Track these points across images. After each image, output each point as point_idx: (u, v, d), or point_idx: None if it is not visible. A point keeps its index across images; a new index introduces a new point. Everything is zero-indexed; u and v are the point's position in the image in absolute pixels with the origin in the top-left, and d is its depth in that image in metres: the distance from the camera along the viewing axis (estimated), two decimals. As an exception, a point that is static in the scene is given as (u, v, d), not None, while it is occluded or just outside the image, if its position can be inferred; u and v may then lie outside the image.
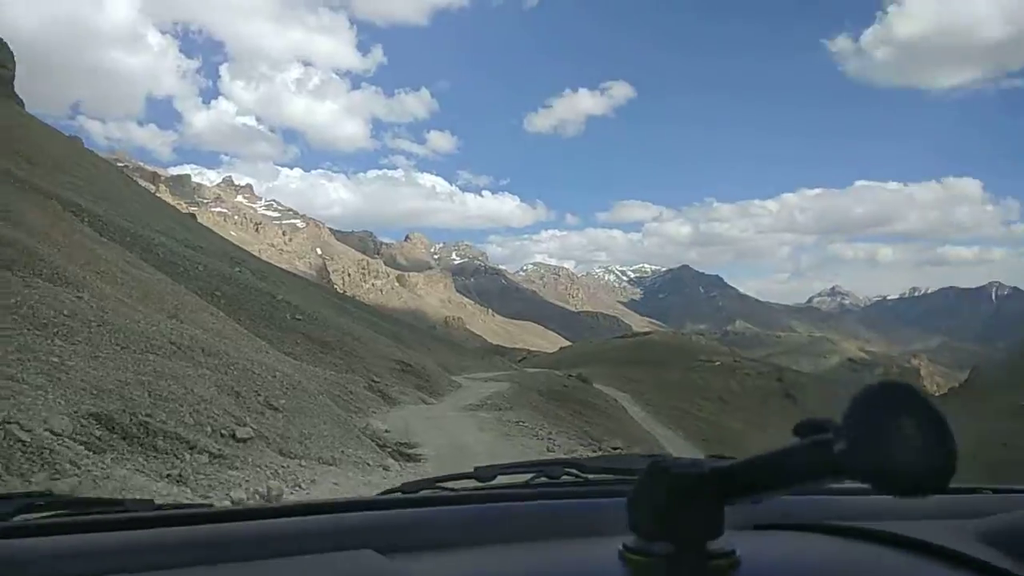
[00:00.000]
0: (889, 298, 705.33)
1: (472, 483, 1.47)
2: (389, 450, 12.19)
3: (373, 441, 12.40)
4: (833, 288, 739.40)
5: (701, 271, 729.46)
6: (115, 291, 13.29)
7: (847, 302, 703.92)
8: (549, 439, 16.88)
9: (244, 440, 8.30)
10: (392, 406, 26.83)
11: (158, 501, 1.27)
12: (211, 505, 1.32)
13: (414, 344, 60.79)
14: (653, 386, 67.03)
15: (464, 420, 19.75)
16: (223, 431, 8.20)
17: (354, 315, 60.08)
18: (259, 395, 10.45)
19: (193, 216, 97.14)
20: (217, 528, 0.99)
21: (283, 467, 8.34)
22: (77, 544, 0.92)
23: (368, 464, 10.05)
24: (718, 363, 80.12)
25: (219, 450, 7.59)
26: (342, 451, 10.26)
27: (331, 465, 9.34)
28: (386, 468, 10.23)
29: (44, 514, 1.11)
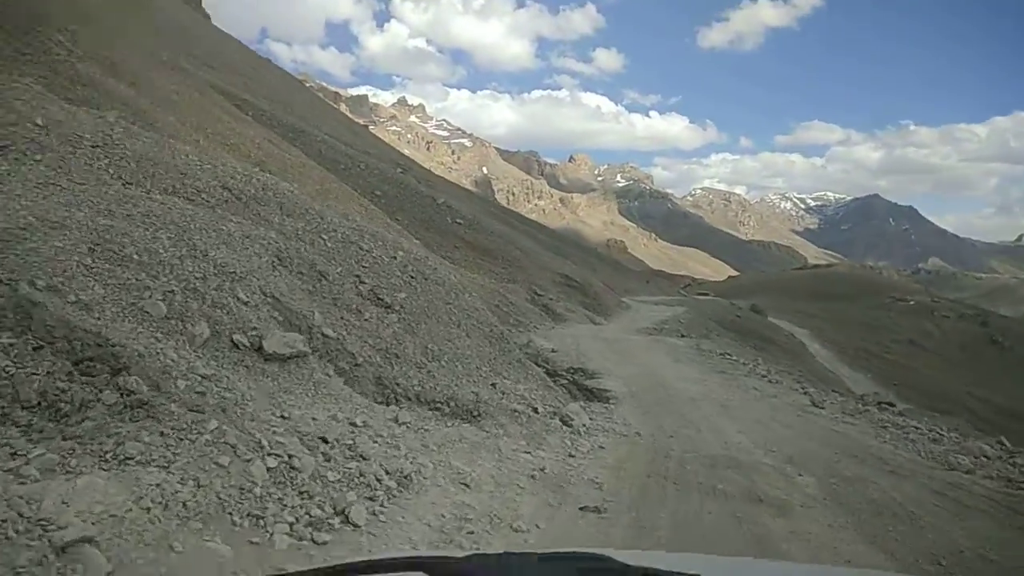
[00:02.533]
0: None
1: None
2: (563, 382, 8.78)
3: (540, 366, 9.04)
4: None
5: (893, 201, 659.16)
6: (231, 156, 10.61)
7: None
8: (775, 380, 12.74)
9: (283, 357, 5.07)
10: (557, 323, 23.76)
11: None
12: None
13: (578, 262, 58.05)
14: (835, 323, 61.42)
15: (650, 345, 16.10)
16: (236, 334, 5.08)
17: (517, 228, 57.97)
18: (360, 280, 7.30)
19: (366, 127, 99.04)
20: None
21: (353, 423, 5.17)
22: None
23: (534, 412, 6.74)
24: (912, 302, 71.84)
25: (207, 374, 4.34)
26: (494, 384, 7.02)
27: (472, 419, 6.20)
28: (567, 423, 6.84)
29: None
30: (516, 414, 6.48)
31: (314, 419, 4.70)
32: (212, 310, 5.01)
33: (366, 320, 6.66)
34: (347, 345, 5.97)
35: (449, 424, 5.98)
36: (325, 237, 7.72)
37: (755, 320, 43.01)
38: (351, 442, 4.45)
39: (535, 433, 6.34)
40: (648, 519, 4.69)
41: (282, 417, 4.42)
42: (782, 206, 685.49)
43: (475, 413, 6.18)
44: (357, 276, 7.39)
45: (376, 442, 4.82)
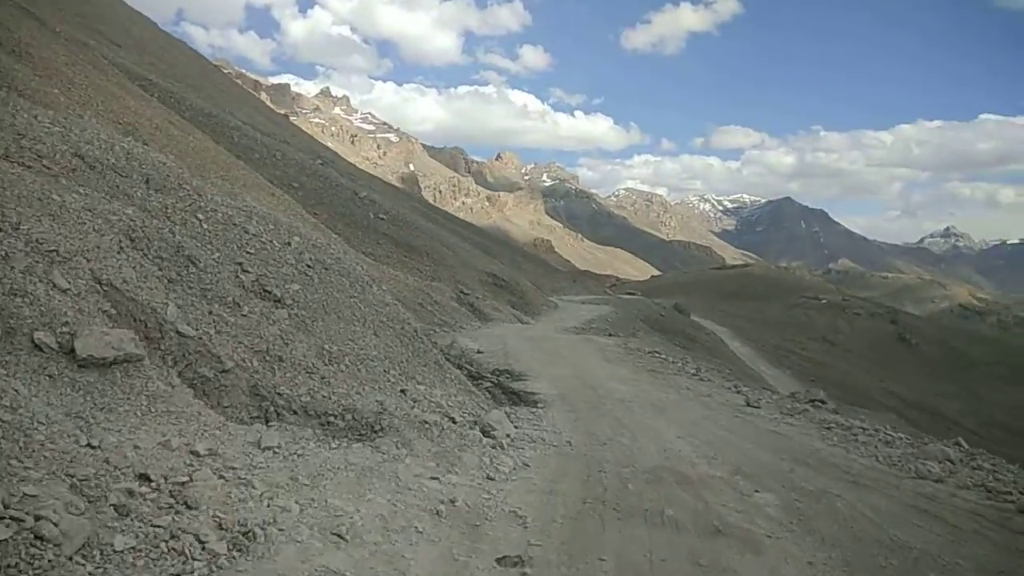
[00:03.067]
0: (1009, 242, 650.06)
1: None
2: (487, 385, 7.86)
3: (463, 368, 8.08)
4: (947, 229, 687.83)
5: (804, 204, 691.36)
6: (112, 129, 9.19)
7: (961, 244, 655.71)
8: (705, 379, 12.21)
9: (103, 363, 3.89)
10: (484, 322, 22.87)
11: None
12: None
13: (506, 261, 57.45)
14: (753, 321, 63.67)
15: (578, 345, 15.40)
16: (40, 332, 3.92)
17: (444, 226, 56.88)
18: (242, 268, 6.15)
19: (286, 117, 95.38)
20: None
21: (194, 451, 3.94)
22: None
23: (451, 422, 5.78)
24: (824, 301, 74.15)
25: None
26: (404, 391, 6.05)
27: (372, 435, 5.12)
28: (488, 433, 5.91)
29: None
30: (427, 427, 5.49)
31: (136, 447, 3.47)
32: (8, 299, 3.79)
33: (245, 316, 5.51)
34: (212, 346, 4.82)
35: (334, 445, 4.83)
36: (201, 217, 6.49)
37: (679, 319, 43.66)
38: (185, 479, 3.32)
39: (448, 450, 5.31)
40: (586, 572, 3.76)
41: (88, 446, 3.24)
42: (701, 207, 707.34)
43: (376, 427, 5.15)
44: (239, 264, 6.22)
45: (223, 478, 3.63)
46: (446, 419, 5.76)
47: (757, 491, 5.37)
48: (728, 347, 42.03)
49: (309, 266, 7.21)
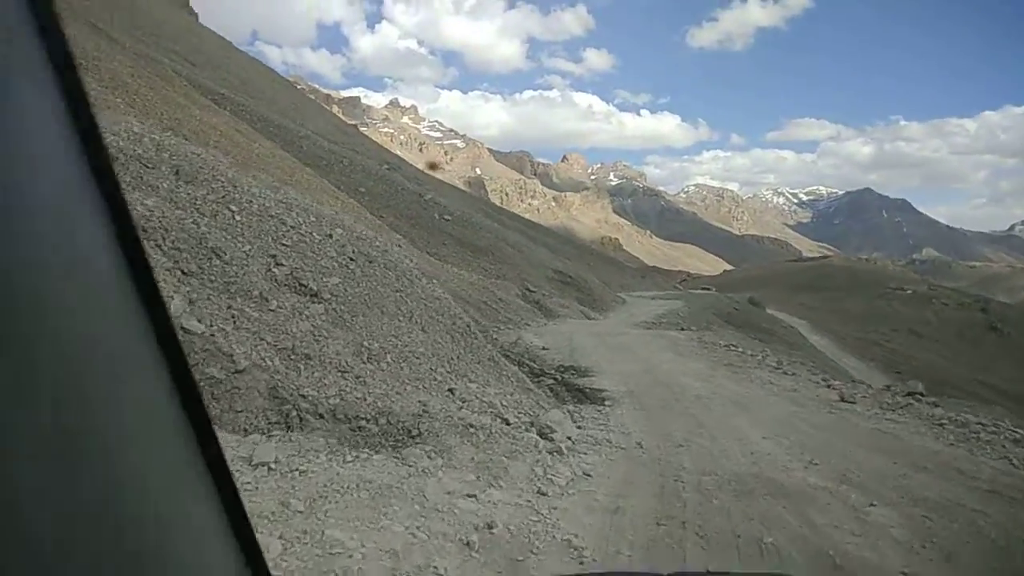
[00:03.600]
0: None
1: None
2: (549, 382, 7.16)
3: (525, 365, 7.40)
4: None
5: (884, 194, 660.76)
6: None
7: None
8: (789, 372, 11.13)
9: None
10: (550, 319, 22.16)
11: None
12: None
13: (572, 258, 56.67)
14: (833, 314, 60.79)
15: (649, 340, 14.47)
16: None
17: (508, 226, 56.54)
18: (276, 262, 5.66)
19: (355, 127, 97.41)
20: None
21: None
22: None
23: (504, 424, 5.11)
24: (910, 291, 70.41)
25: None
26: (452, 390, 5.46)
27: (411, 440, 4.47)
28: (546, 436, 5.22)
29: None
30: (472, 431, 4.78)
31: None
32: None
33: (272, 311, 5.00)
34: (225, 344, 4.30)
35: (350, 457, 4.06)
36: (234, 208, 6.06)
37: (754, 312, 41.93)
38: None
39: (493, 459, 4.51)
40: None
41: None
42: (775, 201, 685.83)
43: (414, 432, 4.48)
44: (272, 256, 5.74)
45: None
46: (498, 420, 5.12)
47: (873, 505, 4.42)
48: (807, 340, 40.06)
49: (352, 259, 6.69)
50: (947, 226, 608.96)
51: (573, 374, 8.26)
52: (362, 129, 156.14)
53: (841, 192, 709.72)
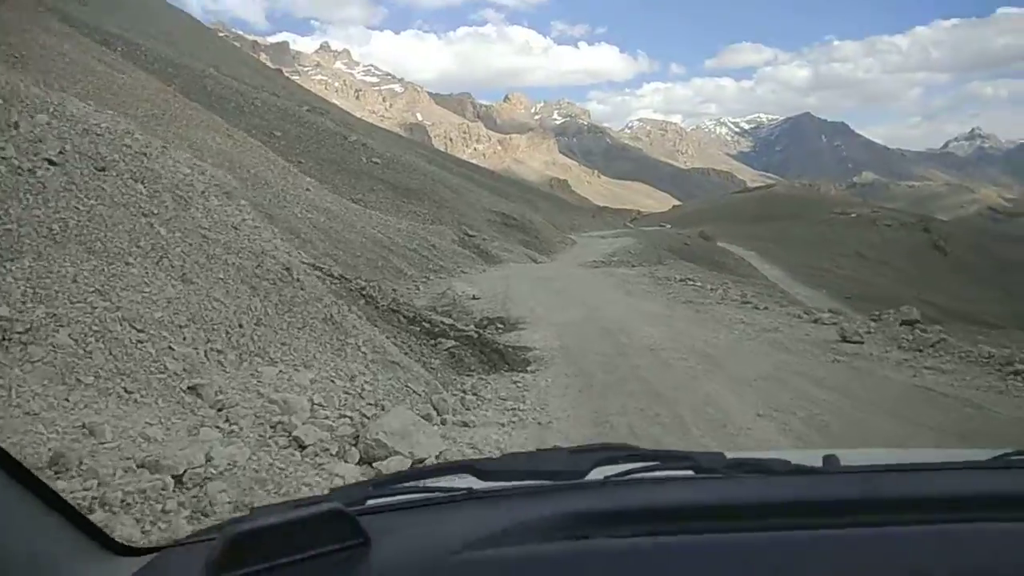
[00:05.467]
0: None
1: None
2: (449, 345, 5.52)
3: (416, 322, 5.73)
4: (972, 131, 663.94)
5: (823, 118, 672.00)
6: None
7: (987, 146, 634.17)
8: (760, 307, 9.67)
9: None
10: (491, 264, 20.56)
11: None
12: (785, 462, 1.12)
13: (518, 200, 54.98)
14: (781, 244, 60.94)
15: (596, 280, 12.94)
16: None
17: (451, 170, 54.29)
18: None
19: (280, 71, 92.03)
20: (796, 484, 1.03)
21: None
22: (653, 497, 0.97)
23: (290, 451, 3.34)
24: (854, 215, 71.19)
25: None
26: (195, 387, 3.62)
27: None
28: (374, 457, 3.50)
29: (620, 467, 1.10)
30: (153, 497, 2.77)
31: None
32: None
33: None
34: None
35: None
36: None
37: (704, 246, 41.51)
38: None
39: None
40: None
41: None
42: (717, 132, 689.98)
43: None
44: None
45: None
46: (275, 446, 3.42)
47: None
48: (758, 271, 39.72)
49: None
50: (885, 147, 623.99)
51: (497, 329, 6.71)
52: (294, 77, 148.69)
53: (781, 118, 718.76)
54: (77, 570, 0.87)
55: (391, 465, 3.44)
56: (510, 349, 6.01)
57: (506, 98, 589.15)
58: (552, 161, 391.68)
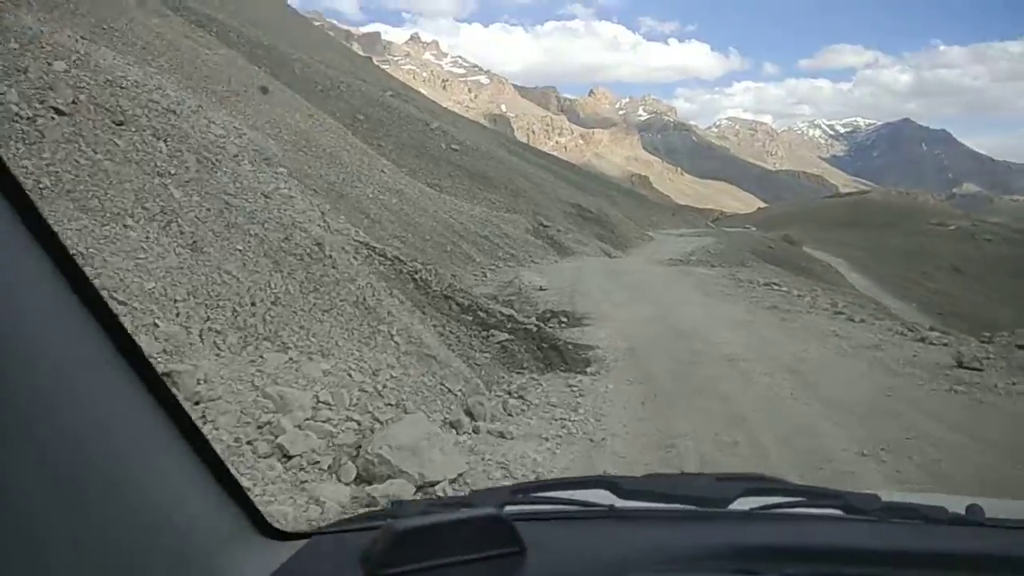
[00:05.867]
0: None
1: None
2: (503, 337, 5.09)
3: (475, 312, 5.32)
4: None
5: (924, 124, 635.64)
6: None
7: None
8: (854, 319, 8.76)
9: None
10: (564, 256, 20.04)
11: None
12: (942, 509, 1.08)
13: (597, 195, 54.25)
14: (872, 252, 58.05)
15: (673, 277, 12.22)
16: None
17: (531, 161, 54.00)
18: None
19: (369, 59, 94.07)
20: (954, 534, 0.99)
21: None
22: (805, 535, 0.94)
23: (276, 462, 2.90)
24: (952, 227, 67.41)
25: None
26: (166, 376, 3.18)
27: None
28: (374, 476, 3.02)
29: (766, 500, 1.08)
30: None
31: None
32: None
33: None
34: None
35: None
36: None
37: (789, 251, 39.79)
38: None
39: None
40: None
41: None
42: (810, 134, 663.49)
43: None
44: None
45: None
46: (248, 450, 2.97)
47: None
48: (845, 280, 37.71)
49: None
50: (989, 158, 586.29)
51: (560, 323, 6.23)
52: (384, 66, 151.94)
53: (879, 123, 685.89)
54: (232, 550, 0.84)
55: (391, 490, 2.90)
56: (570, 346, 5.51)
57: (591, 92, 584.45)
58: (634, 157, 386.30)
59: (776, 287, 11.11)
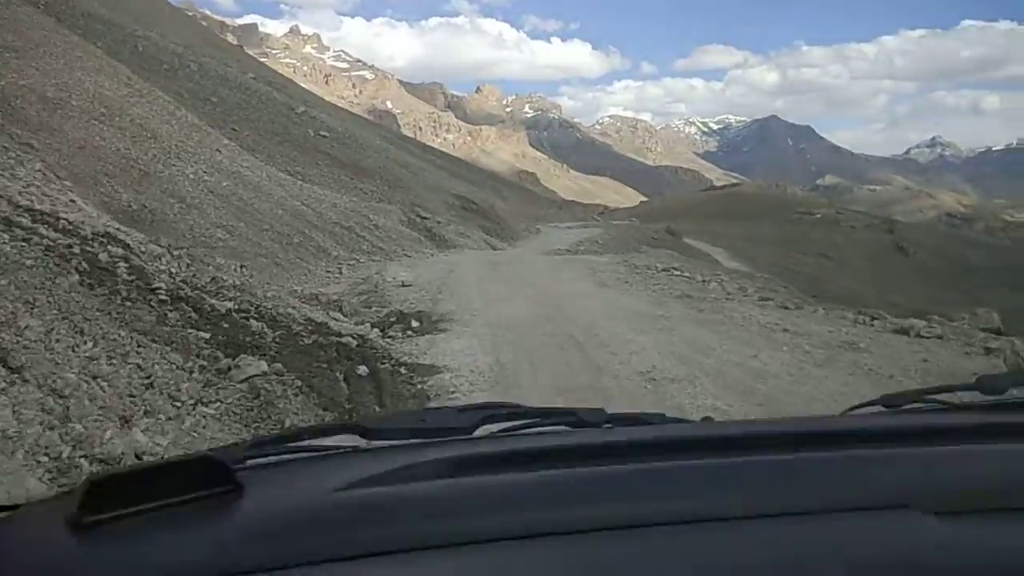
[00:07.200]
0: (995, 149, 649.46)
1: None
2: (252, 373, 3.10)
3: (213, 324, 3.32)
4: (933, 139, 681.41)
5: (790, 121, 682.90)
6: None
7: (948, 154, 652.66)
8: (789, 307, 7.36)
9: None
10: (442, 249, 18.16)
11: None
12: (662, 415, 1.23)
13: (482, 186, 52.82)
14: (747, 241, 60.53)
15: (560, 266, 10.60)
16: None
17: (413, 153, 51.72)
18: None
19: (240, 48, 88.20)
20: (669, 429, 1.11)
21: None
22: (532, 444, 1.01)
23: None
24: (818, 215, 70.96)
25: None
26: None
27: None
28: None
29: (506, 424, 1.14)
30: None
31: None
32: None
33: None
34: None
35: None
36: None
37: (671, 242, 40.11)
38: None
39: None
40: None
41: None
42: (686, 131, 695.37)
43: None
44: None
45: None
46: None
47: None
48: (724, 267, 38.36)
49: None
50: (849, 151, 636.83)
51: (406, 329, 4.44)
52: (262, 59, 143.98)
53: (749, 120, 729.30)
54: None
55: None
56: (401, 370, 3.67)
57: (478, 89, 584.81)
58: (522, 154, 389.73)
59: (677, 272, 9.76)
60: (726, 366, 4.43)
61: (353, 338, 4.02)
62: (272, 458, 0.98)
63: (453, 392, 3.66)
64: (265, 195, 11.93)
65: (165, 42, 31.75)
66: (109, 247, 4.06)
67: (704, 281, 8.92)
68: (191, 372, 3.05)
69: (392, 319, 5.16)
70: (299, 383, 3.31)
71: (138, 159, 8.85)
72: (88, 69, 12.12)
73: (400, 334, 4.71)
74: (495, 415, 1.12)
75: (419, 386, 3.68)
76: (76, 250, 3.74)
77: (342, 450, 1.00)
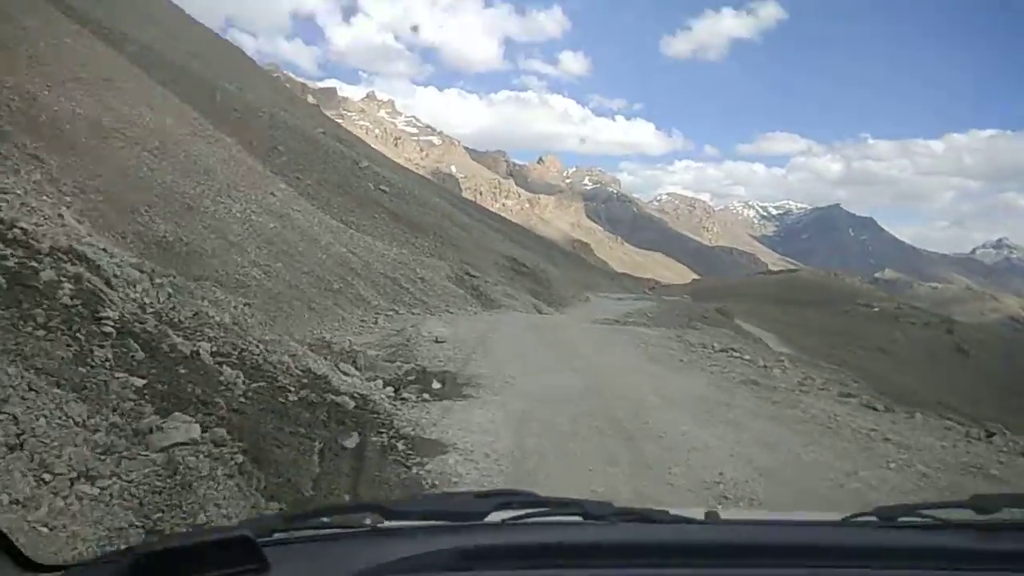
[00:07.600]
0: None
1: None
2: (173, 441, 2.49)
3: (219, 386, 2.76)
4: (999, 240, 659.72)
5: (852, 212, 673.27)
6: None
7: (1014, 256, 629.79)
8: (880, 407, 6.50)
9: None
10: (487, 308, 17.64)
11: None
12: (666, 512, 1.21)
13: (535, 250, 52.74)
14: (801, 329, 58.59)
15: (606, 337, 9.94)
16: None
17: (473, 216, 52.31)
18: None
19: (318, 107, 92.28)
20: (675, 531, 1.08)
21: None
22: (540, 537, 1.02)
23: None
24: (877, 308, 69.45)
25: None
26: None
27: None
28: None
29: (518, 512, 1.15)
30: None
31: None
32: None
33: None
34: None
35: None
36: None
37: (722, 322, 38.81)
38: None
39: None
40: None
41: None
42: (745, 214, 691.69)
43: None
44: None
45: None
46: None
47: None
48: (774, 352, 36.87)
49: None
50: (911, 246, 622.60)
51: (424, 392, 3.84)
52: (339, 120, 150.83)
53: (810, 207, 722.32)
54: None
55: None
56: (397, 447, 3.03)
57: (540, 160, 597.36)
58: (577, 224, 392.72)
59: (736, 353, 8.91)
60: (820, 485, 3.48)
61: (352, 398, 3.45)
62: (296, 533, 1.02)
63: (456, 483, 2.98)
64: (311, 239, 11.73)
65: (243, 94, 33.10)
66: (64, 265, 3.67)
67: (767, 367, 8.05)
68: (94, 431, 2.43)
69: (411, 377, 4.60)
70: (242, 458, 2.65)
71: (185, 192, 8.73)
72: (154, 107, 12.36)
73: (415, 396, 4.12)
74: (510, 502, 1.15)
75: (414, 470, 3.02)
76: (10, 263, 3.31)
77: (364, 528, 1.02)
